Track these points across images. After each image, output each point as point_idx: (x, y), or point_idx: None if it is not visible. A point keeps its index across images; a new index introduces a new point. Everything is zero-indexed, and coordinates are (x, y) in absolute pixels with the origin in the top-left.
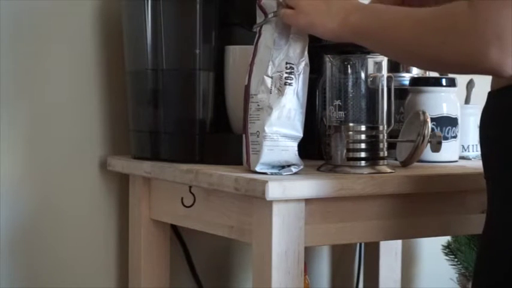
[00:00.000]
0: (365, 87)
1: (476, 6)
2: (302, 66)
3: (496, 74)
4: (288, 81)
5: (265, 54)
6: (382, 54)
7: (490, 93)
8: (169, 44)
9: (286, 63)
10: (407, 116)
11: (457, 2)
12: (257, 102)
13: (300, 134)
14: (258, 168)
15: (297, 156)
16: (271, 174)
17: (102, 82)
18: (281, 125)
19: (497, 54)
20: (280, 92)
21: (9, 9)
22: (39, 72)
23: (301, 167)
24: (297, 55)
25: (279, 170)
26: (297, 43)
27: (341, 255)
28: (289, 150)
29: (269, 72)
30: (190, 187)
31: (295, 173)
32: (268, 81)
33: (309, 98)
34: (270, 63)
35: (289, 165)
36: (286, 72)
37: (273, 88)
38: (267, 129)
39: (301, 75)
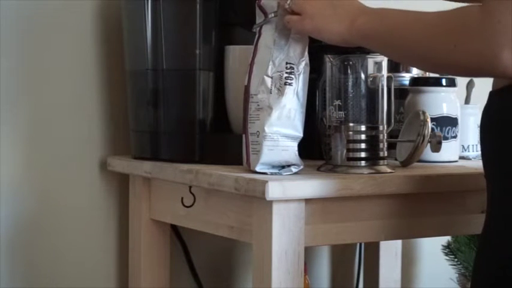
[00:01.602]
0: (365, 87)
1: (488, 8)
2: (302, 66)
3: (509, 77)
4: (288, 81)
5: (265, 54)
6: (390, 58)
7: (491, 93)
8: (169, 44)
9: (287, 63)
10: (407, 116)
11: (468, 5)
12: (257, 102)
13: (300, 134)
14: (258, 168)
15: (297, 156)
16: (271, 174)
17: (102, 82)
18: (281, 125)
19: (509, 56)
20: (280, 92)
21: (9, 9)
22: (39, 72)
23: (301, 167)
24: (297, 55)
25: (279, 170)
26: (297, 43)
27: (341, 255)
28: (289, 150)
29: (269, 72)
30: (190, 187)
31: (295, 173)
32: (268, 81)
33: (309, 98)
34: (270, 63)
35: (289, 165)
36: (286, 72)
37: (273, 88)
38: (267, 129)
39: (301, 75)
